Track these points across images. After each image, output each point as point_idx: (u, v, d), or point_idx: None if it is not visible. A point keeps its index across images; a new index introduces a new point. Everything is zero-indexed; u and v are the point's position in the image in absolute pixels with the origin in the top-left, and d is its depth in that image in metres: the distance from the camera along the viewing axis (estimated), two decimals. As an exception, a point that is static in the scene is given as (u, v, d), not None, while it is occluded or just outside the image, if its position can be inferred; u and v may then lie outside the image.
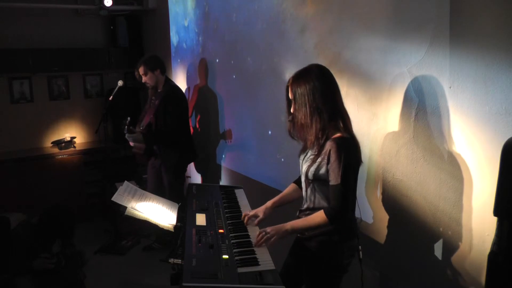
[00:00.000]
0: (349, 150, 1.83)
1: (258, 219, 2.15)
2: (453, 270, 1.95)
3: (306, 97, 1.86)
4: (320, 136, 1.87)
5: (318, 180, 1.91)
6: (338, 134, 1.85)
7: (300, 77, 1.91)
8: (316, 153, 1.90)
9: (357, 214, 2.04)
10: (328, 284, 1.98)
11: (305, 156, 2.00)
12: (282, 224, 1.94)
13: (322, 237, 1.93)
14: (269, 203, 2.20)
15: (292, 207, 2.18)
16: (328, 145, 1.85)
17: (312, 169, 1.90)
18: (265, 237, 1.90)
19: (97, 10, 4.92)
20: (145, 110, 3.99)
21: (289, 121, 1.99)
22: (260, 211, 2.17)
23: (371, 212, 2.37)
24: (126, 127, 3.57)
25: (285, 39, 2.90)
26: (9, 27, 4.91)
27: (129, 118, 3.62)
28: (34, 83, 5.10)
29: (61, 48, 5.10)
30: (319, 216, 1.87)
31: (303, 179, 2.02)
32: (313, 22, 2.64)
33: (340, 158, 1.80)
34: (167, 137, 3.73)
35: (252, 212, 2.19)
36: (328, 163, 1.84)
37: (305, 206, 2.02)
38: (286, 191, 2.22)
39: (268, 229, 1.93)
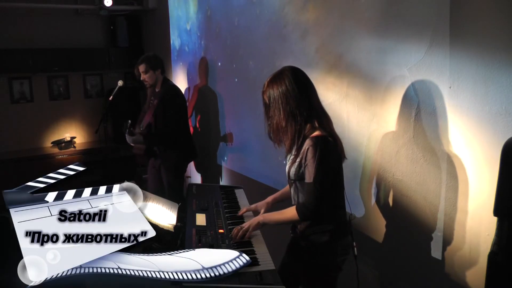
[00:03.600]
0: (325, 148, 1.82)
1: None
2: (453, 270, 1.95)
3: (279, 101, 1.86)
4: (296, 139, 1.88)
5: (299, 180, 1.92)
6: (316, 133, 1.85)
7: (273, 81, 1.90)
8: (295, 153, 1.92)
9: (348, 211, 2.03)
10: (323, 283, 1.99)
11: (289, 157, 2.01)
12: (256, 217, 2.00)
13: (314, 237, 1.94)
14: (269, 198, 2.24)
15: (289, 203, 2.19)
16: (306, 144, 1.85)
17: (293, 169, 1.92)
18: (241, 232, 1.94)
19: (97, 10, 4.93)
20: (144, 110, 3.99)
21: (268, 125, 1.99)
22: (261, 206, 2.22)
23: (371, 212, 2.37)
24: (127, 129, 3.57)
25: (287, 43, 2.90)
26: (9, 27, 4.91)
27: (130, 121, 3.62)
28: (34, 83, 5.10)
29: (61, 48, 5.10)
30: (290, 212, 1.90)
31: (287, 179, 2.04)
32: (314, 26, 2.64)
33: (314, 156, 1.80)
34: (167, 137, 3.73)
35: (253, 206, 2.23)
36: (306, 162, 1.85)
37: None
38: (286, 188, 2.24)
39: (243, 224, 1.99)
